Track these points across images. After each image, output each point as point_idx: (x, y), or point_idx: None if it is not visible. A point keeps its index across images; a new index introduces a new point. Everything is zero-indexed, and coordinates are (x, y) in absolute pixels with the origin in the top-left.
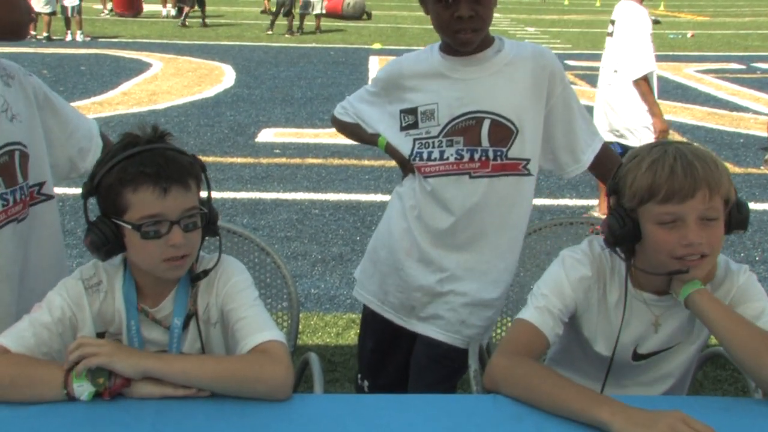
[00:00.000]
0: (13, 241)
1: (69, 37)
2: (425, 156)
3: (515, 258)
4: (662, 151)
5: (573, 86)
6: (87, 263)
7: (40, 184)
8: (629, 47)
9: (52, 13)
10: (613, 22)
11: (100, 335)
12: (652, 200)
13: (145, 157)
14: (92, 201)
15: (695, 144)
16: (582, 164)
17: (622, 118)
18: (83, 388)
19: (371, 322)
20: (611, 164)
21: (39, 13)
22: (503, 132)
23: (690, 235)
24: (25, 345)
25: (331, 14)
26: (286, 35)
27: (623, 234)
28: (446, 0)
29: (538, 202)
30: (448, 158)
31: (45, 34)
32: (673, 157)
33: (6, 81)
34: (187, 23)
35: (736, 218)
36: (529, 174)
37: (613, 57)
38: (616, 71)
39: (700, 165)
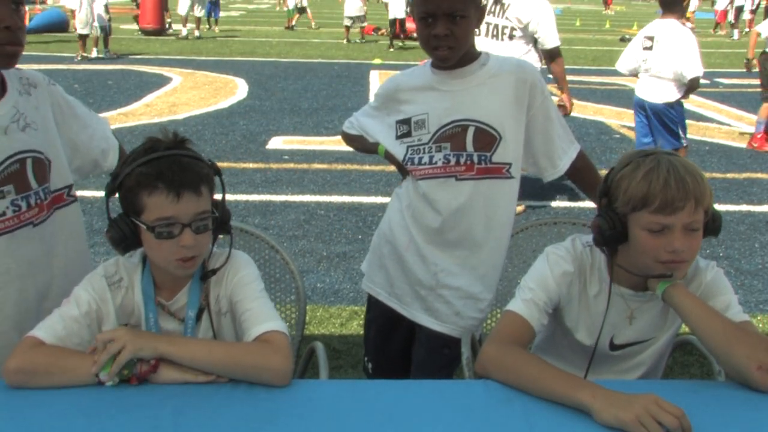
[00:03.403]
0: (28, 243)
1: (94, 54)
2: (416, 161)
3: (502, 255)
4: (656, 162)
5: (554, 97)
6: (110, 260)
7: (68, 187)
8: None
9: (86, 36)
10: (651, 38)
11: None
12: (645, 208)
13: (163, 162)
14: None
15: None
16: (559, 169)
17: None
18: (110, 377)
19: (374, 310)
20: (586, 170)
21: (80, 35)
22: (487, 138)
23: (675, 243)
24: (57, 336)
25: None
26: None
27: (612, 236)
28: (426, 20)
29: (525, 203)
30: (436, 162)
31: (83, 54)
32: (667, 170)
33: (27, 90)
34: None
35: (711, 227)
36: (511, 177)
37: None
38: (660, 77)
39: (690, 179)
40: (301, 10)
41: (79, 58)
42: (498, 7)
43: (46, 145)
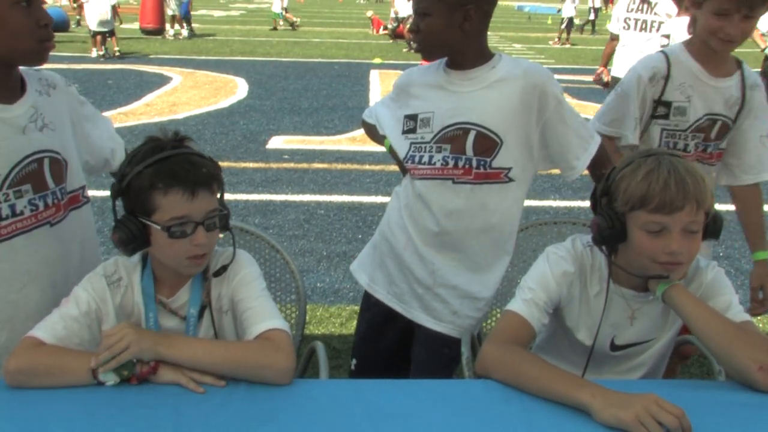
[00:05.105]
0: (45, 243)
1: (94, 54)
2: (416, 159)
3: (502, 257)
4: (657, 163)
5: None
6: (109, 259)
7: (82, 188)
8: None
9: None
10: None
11: None
12: (643, 208)
13: (175, 162)
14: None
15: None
16: (577, 170)
17: None
18: (109, 377)
19: (371, 309)
20: (603, 166)
21: (96, 32)
22: (487, 143)
23: (673, 244)
24: (57, 336)
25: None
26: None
27: (611, 235)
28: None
29: (525, 203)
30: (435, 163)
31: (100, 52)
32: (668, 171)
33: (47, 91)
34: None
35: (712, 229)
36: (511, 181)
37: None
38: None
39: (691, 181)
40: (286, 10)
41: (101, 55)
42: (645, 5)
43: (63, 145)
